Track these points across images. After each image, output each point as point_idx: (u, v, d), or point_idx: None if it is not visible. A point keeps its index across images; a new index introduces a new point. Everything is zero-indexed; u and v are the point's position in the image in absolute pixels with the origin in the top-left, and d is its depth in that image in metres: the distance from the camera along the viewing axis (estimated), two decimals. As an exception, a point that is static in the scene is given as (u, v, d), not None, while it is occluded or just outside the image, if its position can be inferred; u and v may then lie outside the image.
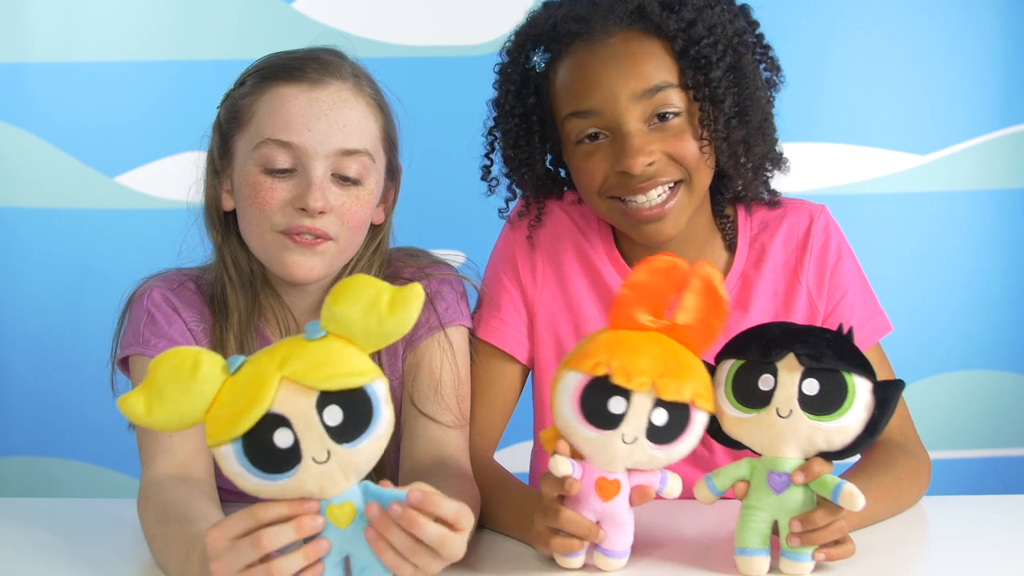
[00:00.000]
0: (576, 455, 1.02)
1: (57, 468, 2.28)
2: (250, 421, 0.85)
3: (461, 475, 1.17)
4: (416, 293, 0.87)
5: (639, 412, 0.99)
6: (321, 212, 1.17)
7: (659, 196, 1.22)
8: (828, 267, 1.32)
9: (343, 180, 1.19)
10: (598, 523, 1.02)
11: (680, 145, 1.21)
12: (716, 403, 1.04)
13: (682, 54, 1.20)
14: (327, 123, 1.18)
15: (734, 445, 1.06)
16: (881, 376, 1.30)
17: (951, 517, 1.23)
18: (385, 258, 1.29)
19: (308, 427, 0.86)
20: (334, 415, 0.87)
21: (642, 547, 1.06)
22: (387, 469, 1.28)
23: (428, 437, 1.21)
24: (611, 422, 0.99)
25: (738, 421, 1.03)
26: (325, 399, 0.86)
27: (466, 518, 0.90)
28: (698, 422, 1.02)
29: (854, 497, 0.99)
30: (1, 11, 2.22)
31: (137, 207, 2.25)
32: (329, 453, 0.87)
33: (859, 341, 1.29)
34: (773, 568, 1.03)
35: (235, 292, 1.24)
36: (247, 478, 0.87)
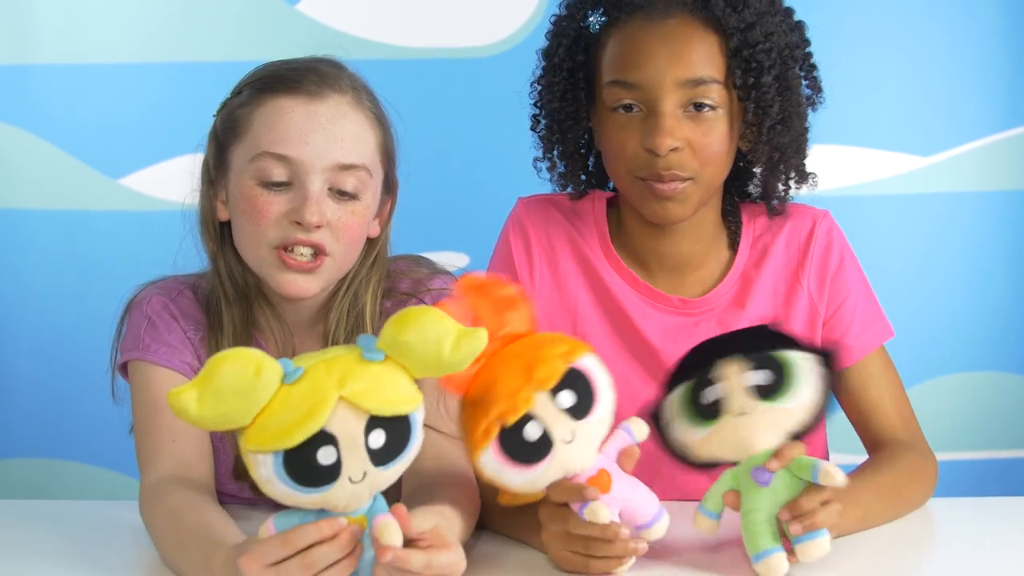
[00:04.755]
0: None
1: (60, 470, 2.28)
2: (301, 436, 0.85)
3: (462, 485, 1.17)
4: (480, 337, 0.88)
5: (554, 420, 0.98)
6: (317, 226, 1.16)
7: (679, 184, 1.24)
8: (830, 271, 1.33)
9: (340, 194, 1.18)
10: (620, 514, 1.02)
11: (707, 139, 1.22)
12: (676, 436, 1.04)
13: (735, 53, 1.22)
14: (325, 137, 1.17)
15: (712, 468, 1.06)
16: (888, 380, 1.32)
17: (955, 519, 1.23)
18: (384, 272, 1.28)
19: (353, 448, 0.86)
20: (378, 438, 0.87)
21: (651, 553, 1.05)
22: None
23: (430, 447, 1.21)
24: (537, 452, 0.98)
25: (705, 440, 1.04)
26: (373, 422, 0.87)
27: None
28: (599, 381, 1.00)
29: (832, 475, 0.98)
30: (4, 13, 2.22)
31: (140, 209, 2.24)
32: (365, 474, 0.87)
33: (860, 345, 1.31)
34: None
35: (229, 306, 1.24)
36: (277, 486, 0.87)
